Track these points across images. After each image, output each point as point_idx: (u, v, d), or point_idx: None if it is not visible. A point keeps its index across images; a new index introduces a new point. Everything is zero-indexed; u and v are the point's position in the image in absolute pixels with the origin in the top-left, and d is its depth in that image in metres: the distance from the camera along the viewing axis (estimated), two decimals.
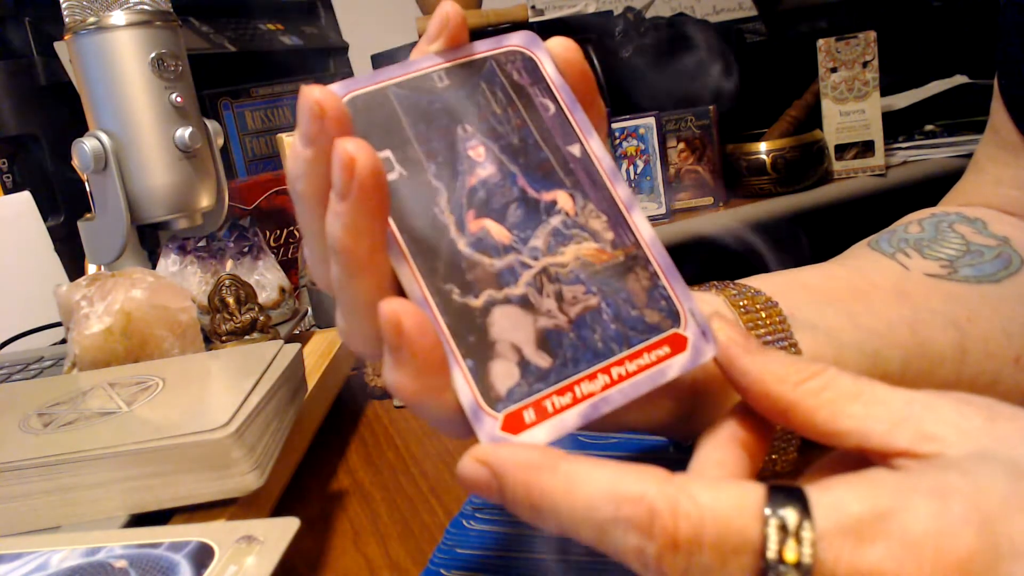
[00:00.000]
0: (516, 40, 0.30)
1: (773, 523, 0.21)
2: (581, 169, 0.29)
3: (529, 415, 0.25)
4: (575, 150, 0.29)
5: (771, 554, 0.20)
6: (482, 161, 0.28)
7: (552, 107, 0.30)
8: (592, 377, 0.26)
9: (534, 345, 0.26)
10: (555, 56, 0.30)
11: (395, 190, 0.26)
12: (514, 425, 0.25)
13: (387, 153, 0.27)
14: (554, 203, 0.28)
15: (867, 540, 0.20)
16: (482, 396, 0.25)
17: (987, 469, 0.22)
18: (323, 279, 0.29)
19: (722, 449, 0.26)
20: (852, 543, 0.20)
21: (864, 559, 0.20)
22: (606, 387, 0.26)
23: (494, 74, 0.29)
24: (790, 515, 0.21)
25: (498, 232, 0.27)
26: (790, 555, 0.20)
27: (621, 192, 0.29)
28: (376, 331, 0.25)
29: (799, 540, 0.20)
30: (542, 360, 0.26)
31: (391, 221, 0.26)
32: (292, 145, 0.26)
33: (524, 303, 0.26)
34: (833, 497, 0.21)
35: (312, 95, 0.25)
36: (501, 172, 0.28)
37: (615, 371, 0.26)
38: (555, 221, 0.28)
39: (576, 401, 0.26)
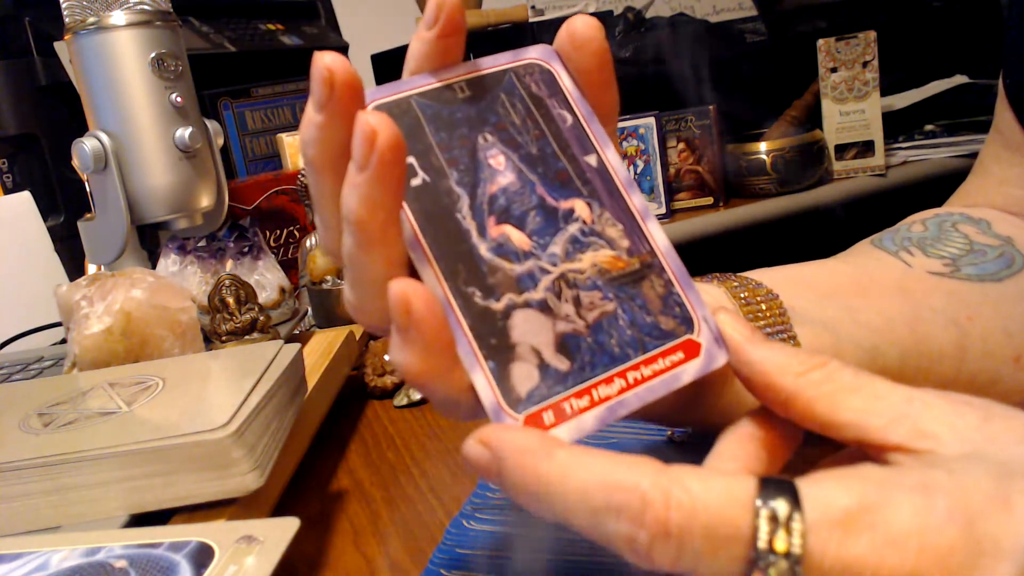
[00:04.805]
0: (534, 53, 0.31)
1: (764, 514, 0.21)
2: (598, 178, 0.30)
3: (548, 417, 0.25)
4: (592, 160, 0.30)
5: (761, 544, 0.21)
6: (502, 169, 0.29)
7: (569, 118, 0.30)
8: (609, 381, 0.27)
9: (553, 348, 0.26)
10: (574, 31, 0.30)
11: (418, 195, 0.27)
12: (534, 426, 0.25)
13: (411, 159, 0.27)
14: (572, 211, 0.29)
15: (853, 533, 0.21)
16: (503, 397, 0.25)
17: (974, 468, 0.22)
18: (332, 248, 0.29)
19: (739, 444, 0.27)
20: (839, 535, 0.21)
21: (849, 551, 0.21)
22: (622, 391, 0.27)
23: (513, 86, 0.30)
24: (781, 506, 0.21)
25: (518, 238, 0.28)
26: (780, 545, 0.21)
27: (636, 202, 0.30)
28: (384, 307, 0.25)
29: (789, 531, 0.21)
30: (561, 363, 0.26)
31: (415, 224, 0.27)
32: (305, 110, 0.26)
33: (543, 307, 0.27)
34: (822, 490, 0.22)
35: (323, 60, 0.25)
36: (520, 180, 0.29)
37: (631, 375, 0.27)
38: (573, 228, 0.28)
39: (594, 404, 0.26)
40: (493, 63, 0.30)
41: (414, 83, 0.29)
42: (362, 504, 0.42)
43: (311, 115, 0.26)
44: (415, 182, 0.27)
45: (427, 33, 0.28)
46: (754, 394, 0.27)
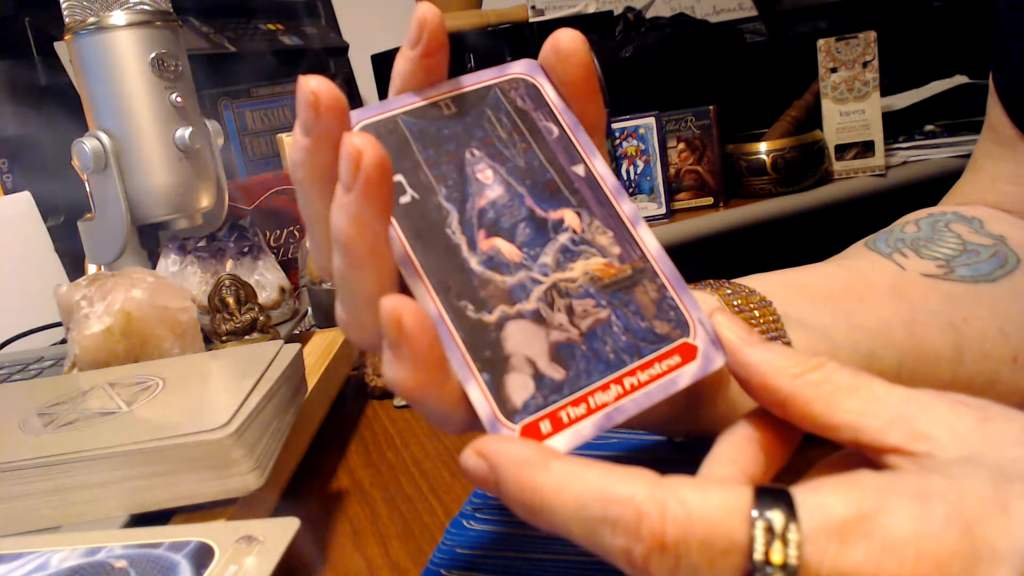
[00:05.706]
0: (519, 68, 0.31)
1: (760, 525, 0.21)
2: (586, 188, 0.30)
3: (545, 426, 0.25)
4: (579, 170, 0.30)
5: (758, 555, 0.21)
6: (490, 183, 0.29)
7: (556, 130, 0.30)
8: (605, 388, 0.27)
9: (547, 358, 0.26)
10: (558, 44, 0.30)
11: (408, 212, 0.27)
12: (531, 436, 0.25)
13: (399, 177, 0.28)
14: (561, 221, 0.29)
15: (850, 541, 0.21)
16: (499, 408, 0.25)
17: (972, 473, 0.22)
18: (324, 266, 0.29)
19: (737, 447, 0.27)
20: (836, 544, 0.21)
21: (847, 560, 0.20)
22: (619, 397, 0.27)
23: (499, 101, 0.30)
24: (776, 517, 0.21)
25: (508, 250, 0.28)
26: (776, 556, 0.21)
27: (626, 208, 0.30)
28: (375, 323, 0.26)
29: (785, 542, 0.21)
30: (556, 372, 0.26)
31: (405, 241, 0.27)
32: (293, 133, 0.27)
33: (536, 318, 0.27)
34: (818, 499, 0.21)
35: (308, 85, 0.25)
36: (509, 193, 0.29)
37: (627, 381, 0.27)
38: (563, 238, 0.29)
39: (590, 411, 0.26)
40: (478, 79, 0.30)
41: (400, 102, 0.29)
42: (362, 504, 0.42)
43: (298, 138, 0.26)
44: (404, 199, 0.27)
45: (411, 52, 0.29)
46: (751, 396, 0.27)
